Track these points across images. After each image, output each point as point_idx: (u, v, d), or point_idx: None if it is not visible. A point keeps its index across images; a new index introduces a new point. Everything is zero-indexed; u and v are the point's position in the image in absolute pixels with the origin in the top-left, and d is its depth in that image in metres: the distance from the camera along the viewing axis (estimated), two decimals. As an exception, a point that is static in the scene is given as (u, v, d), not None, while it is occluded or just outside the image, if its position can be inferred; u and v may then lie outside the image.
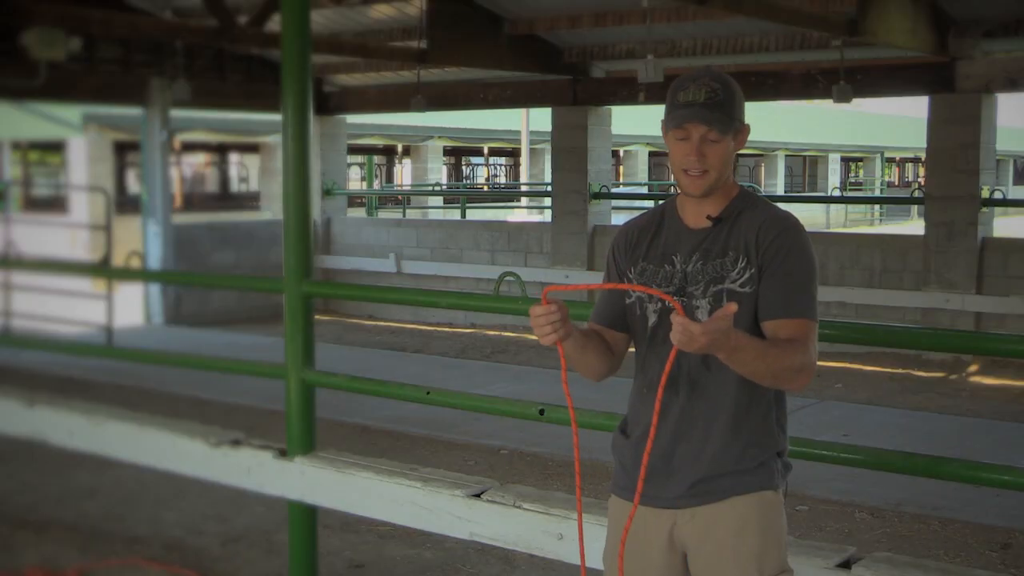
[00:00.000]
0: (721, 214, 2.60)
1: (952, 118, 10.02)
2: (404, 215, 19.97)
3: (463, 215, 17.82)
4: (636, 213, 2.99)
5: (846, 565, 3.02)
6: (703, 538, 2.57)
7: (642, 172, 29.91)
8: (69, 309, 10.68)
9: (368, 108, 14.31)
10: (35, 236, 13.92)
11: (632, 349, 2.74)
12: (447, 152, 27.94)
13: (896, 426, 7.65)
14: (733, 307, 2.31)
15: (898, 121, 43.10)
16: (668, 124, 2.55)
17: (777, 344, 2.44)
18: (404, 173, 28.61)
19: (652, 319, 2.62)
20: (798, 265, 2.52)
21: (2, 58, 10.74)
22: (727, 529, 2.54)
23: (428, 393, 4.12)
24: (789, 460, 2.68)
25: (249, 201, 24.26)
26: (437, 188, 23.95)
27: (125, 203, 19.69)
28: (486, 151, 30.49)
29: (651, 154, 30.84)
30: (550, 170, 13.07)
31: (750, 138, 2.66)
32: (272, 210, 21.07)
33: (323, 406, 4.69)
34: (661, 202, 2.78)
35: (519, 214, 19.79)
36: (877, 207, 32.75)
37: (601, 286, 2.63)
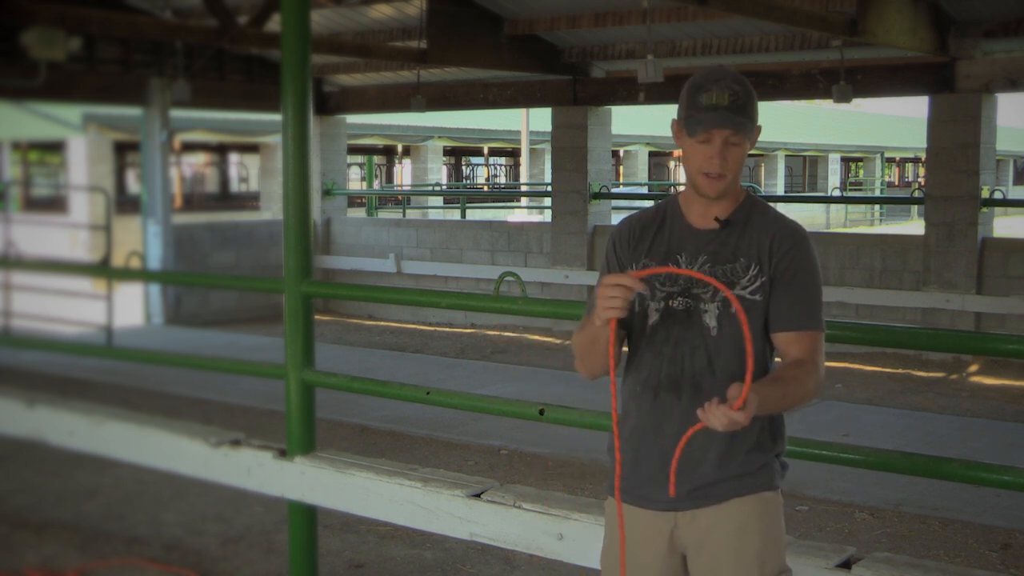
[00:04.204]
0: (730, 217, 2.60)
1: (952, 118, 10.02)
2: (404, 215, 19.98)
3: (463, 215, 17.83)
4: (636, 214, 2.94)
5: (846, 565, 3.01)
6: (704, 539, 2.57)
7: (642, 172, 29.90)
8: (69, 309, 10.68)
9: (368, 108, 14.31)
10: (35, 236, 13.93)
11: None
12: (447, 152, 27.93)
13: (896, 426, 7.64)
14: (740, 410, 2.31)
15: (898, 121, 43.15)
16: (690, 127, 2.51)
17: (792, 377, 2.48)
18: (404, 173, 28.60)
19: (653, 317, 2.59)
20: (809, 278, 2.56)
21: (2, 58, 10.75)
22: (728, 530, 2.55)
23: (428, 393, 4.12)
24: (786, 460, 2.70)
25: (249, 201, 24.26)
26: (437, 188, 23.94)
27: (125, 203, 19.70)
28: (486, 151, 30.47)
29: (651, 154, 30.84)
30: (550, 170, 13.07)
31: (750, 138, 2.65)
32: (272, 210, 21.07)
33: (323, 406, 4.68)
34: (660, 201, 2.75)
35: (519, 214, 19.79)
36: (877, 207, 32.77)
37: (669, 269, 2.56)
